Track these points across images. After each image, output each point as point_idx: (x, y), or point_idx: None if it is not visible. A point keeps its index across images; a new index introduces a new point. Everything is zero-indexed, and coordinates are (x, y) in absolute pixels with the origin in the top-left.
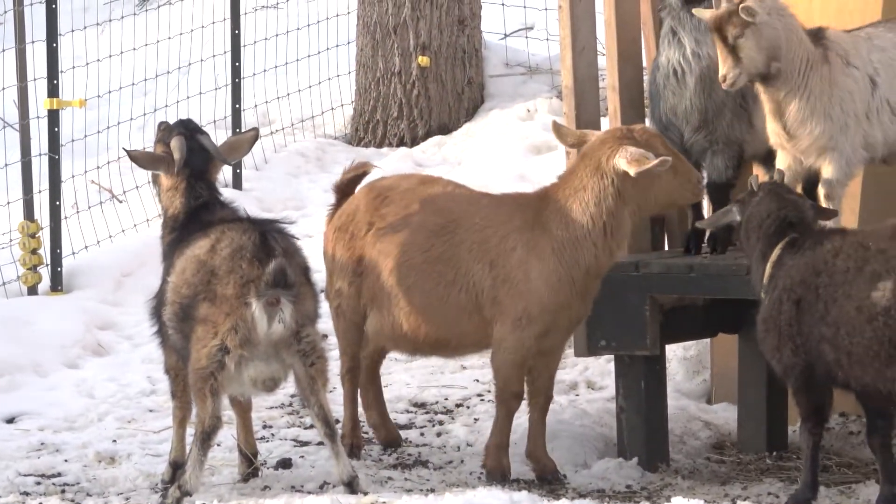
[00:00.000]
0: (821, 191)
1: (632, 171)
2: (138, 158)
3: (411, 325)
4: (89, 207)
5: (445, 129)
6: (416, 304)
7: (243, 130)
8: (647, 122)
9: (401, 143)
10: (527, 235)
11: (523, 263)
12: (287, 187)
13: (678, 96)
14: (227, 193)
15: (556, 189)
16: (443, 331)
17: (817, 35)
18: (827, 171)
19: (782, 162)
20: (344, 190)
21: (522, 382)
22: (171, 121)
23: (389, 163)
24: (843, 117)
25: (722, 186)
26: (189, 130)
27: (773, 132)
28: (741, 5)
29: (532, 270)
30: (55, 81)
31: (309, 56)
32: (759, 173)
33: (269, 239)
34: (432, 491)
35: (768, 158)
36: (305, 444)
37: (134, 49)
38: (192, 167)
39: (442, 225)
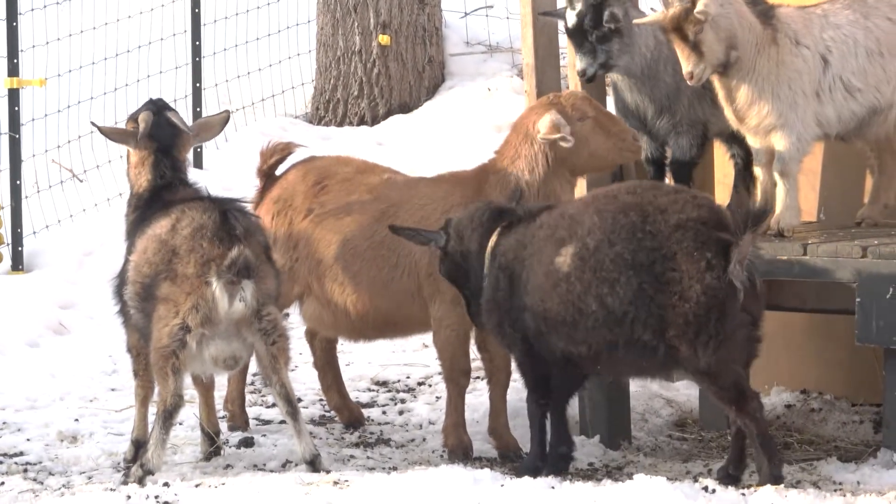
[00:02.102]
0: (775, 167)
1: (539, 137)
2: (108, 133)
3: (358, 312)
4: (50, 187)
5: (406, 108)
6: (362, 291)
7: (203, 109)
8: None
9: (361, 122)
10: None
11: None
12: (248, 166)
13: (628, 91)
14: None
15: (493, 162)
16: (390, 315)
17: (767, 14)
18: (779, 147)
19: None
20: (268, 173)
21: (468, 358)
22: (133, 100)
23: (350, 141)
24: (791, 95)
25: (686, 164)
26: (157, 107)
27: (726, 115)
28: (696, 10)
29: None
30: (15, 60)
31: (269, 35)
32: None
33: (229, 218)
34: (395, 469)
35: (733, 136)
36: (268, 422)
37: (94, 28)
38: (159, 142)
39: (382, 210)
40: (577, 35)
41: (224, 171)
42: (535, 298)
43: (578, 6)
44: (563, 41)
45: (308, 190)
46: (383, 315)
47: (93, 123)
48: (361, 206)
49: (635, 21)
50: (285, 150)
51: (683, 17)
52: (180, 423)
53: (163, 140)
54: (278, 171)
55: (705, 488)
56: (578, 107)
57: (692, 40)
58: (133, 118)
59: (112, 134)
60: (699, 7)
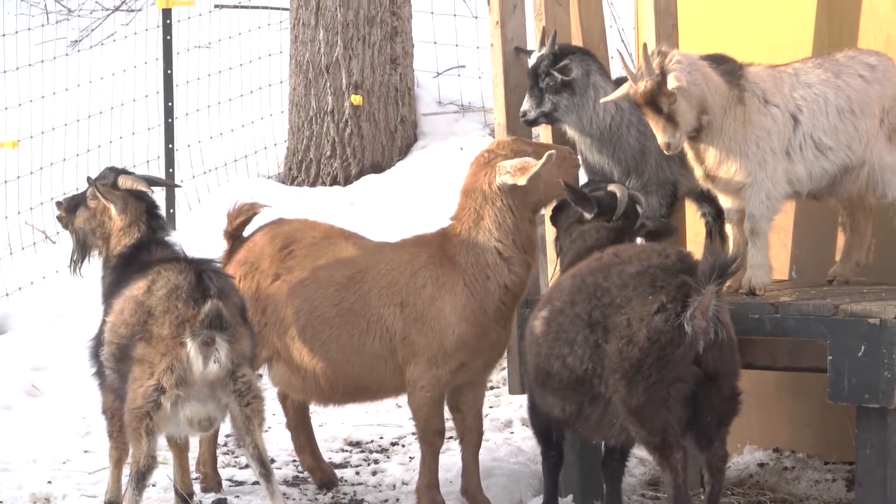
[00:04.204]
0: (745, 226)
1: (522, 181)
2: (104, 192)
3: (328, 377)
4: (22, 248)
5: (379, 168)
6: (332, 358)
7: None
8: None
9: (334, 182)
10: (436, 272)
11: (436, 300)
12: (221, 227)
13: (589, 152)
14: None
15: (454, 228)
16: (361, 380)
17: (733, 74)
18: (749, 205)
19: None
20: (235, 234)
21: (443, 419)
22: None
23: (323, 202)
24: (759, 153)
25: None
26: (127, 172)
27: (696, 175)
28: (669, 85)
29: (446, 306)
30: None
31: (242, 95)
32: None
33: (204, 279)
34: None
35: (703, 195)
36: (241, 483)
37: (66, 89)
38: (147, 203)
39: (349, 276)
40: (531, 77)
41: (197, 232)
42: (525, 357)
43: (544, 50)
44: None
45: (275, 254)
46: (354, 380)
47: (56, 204)
48: (328, 272)
49: (603, 100)
50: (251, 210)
51: (656, 91)
52: (153, 485)
53: (150, 201)
54: (246, 233)
55: None
56: (516, 149)
57: (666, 112)
58: (107, 186)
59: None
60: (671, 83)
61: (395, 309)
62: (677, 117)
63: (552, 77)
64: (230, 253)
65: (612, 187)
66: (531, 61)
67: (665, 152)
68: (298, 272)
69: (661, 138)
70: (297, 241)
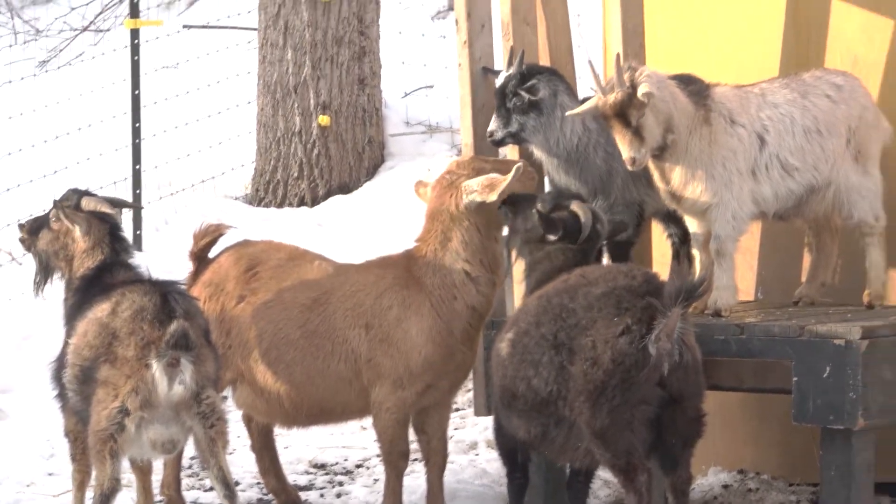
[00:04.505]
0: (711, 246)
1: (493, 197)
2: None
3: (293, 400)
4: None
5: (346, 189)
6: (296, 380)
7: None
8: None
9: (301, 203)
10: (402, 293)
11: (402, 321)
12: (188, 248)
13: (556, 173)
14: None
15: (419, 250)
16: (325, 402)
17: (700, 94)
18: (715, 226)
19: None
20: (200, 256)
21: (408, 441)
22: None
23: (290, 223)
24: (725, 174)
25: (623, 244)
26: (90, 193)
27: (662, 195)
28: (641, 92)
29: (412, 328)
30: None
31: (209, 116)
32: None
33: (170, 300)
34: None
35: (669, 215)
36: None
37: (34, 110)
38: (111, 225)
39: (314, 298)
40: (499, 97)
41: (164, 254)
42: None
43: (512, 70)
44: None
45: (240, 276)
46: (318, 403)
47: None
48: (293, 293)
49: (569, 113)
50: (216, 231)
51: (627, 103)
52: None
53: (113, 223)
54: (212, 254)
55: None
56: (477, 167)
57: (634, 125)
58: (71, 208)
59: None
60: (643, 89)
61: (361, 331)
62: (644, 132)
63: (519, 97)
64: (195, 274)
65: (575, 207)
66: (498, 81)
67: (629, 167)
68: (263, 294)
69: (626, 153)
70: (262, 263)
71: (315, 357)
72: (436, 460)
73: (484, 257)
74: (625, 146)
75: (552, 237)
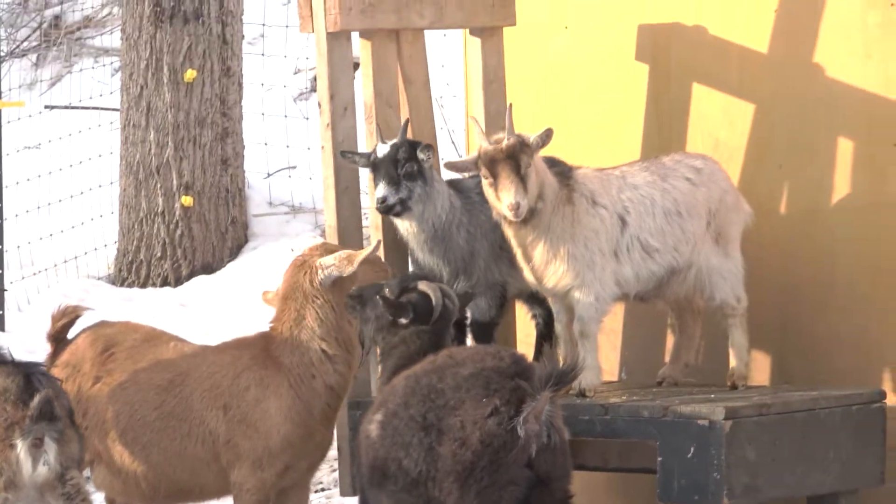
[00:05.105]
0: (575, 327)
1: (351, 270)
2: None
3: (150, 482)
4: None
5: (210, 269)
6: (153, 462)
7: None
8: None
9: (165, 283)
10: (260, 373)
11: (260, 402)
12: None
13: (420, 252)
14: None
15: (275, 330)
16: (183, 484)
17: (564, 175)
18: (578, 307)
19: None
20: (58, 337)
21: None
22: None
23: (153, 303)
24: (588, 254)
25: (486, 325)
26: None
27: (525, 275)
28: (536, 135)
29: (271, 407)
30: None
31: (72, 196)
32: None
33: (33, 381)
34: None
35: (533, 296)
36: None
37: None
38: None
39: (170, 380)
40: (387, 165)
41: (26, 334)
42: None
43: (394, 140)
44: (365, 202)
45: (96, 357)
46: (176, 484)
47: None
48: (149, 374)
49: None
50: (73, 313)
51: (519, 148)
52: None
53: None
54: (70, 335)
55: None
56: (329, 248)
57: (522, 173)
58: None
59: None
60: (533, 136)
61: (219, 412)
62: (528, 182)
63: (411, 163)
64: (54, 355)
65: (422, 287)
66: (383, 151)
67: (510, 214)
68: (119, 375)
69: (511, 198)
70: (119, 344)
71: (172, 438)
72: None
73: (339, 336)
74: (511, 192)
75: (403, 321)
